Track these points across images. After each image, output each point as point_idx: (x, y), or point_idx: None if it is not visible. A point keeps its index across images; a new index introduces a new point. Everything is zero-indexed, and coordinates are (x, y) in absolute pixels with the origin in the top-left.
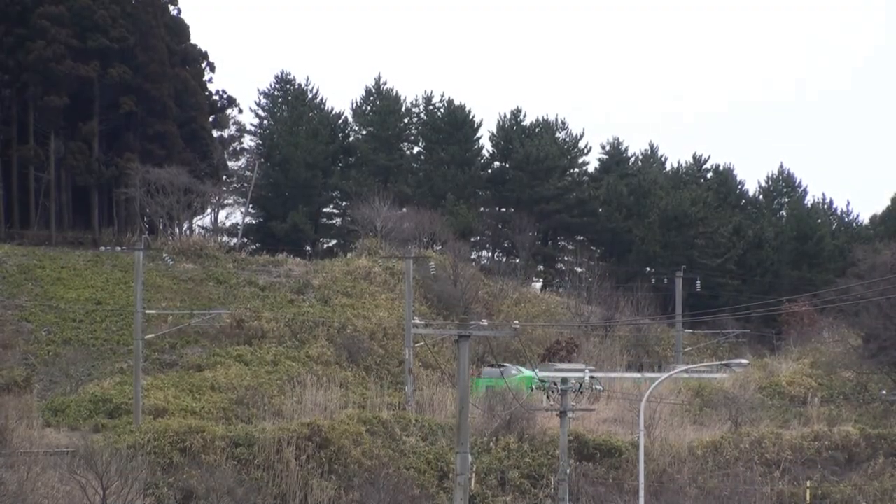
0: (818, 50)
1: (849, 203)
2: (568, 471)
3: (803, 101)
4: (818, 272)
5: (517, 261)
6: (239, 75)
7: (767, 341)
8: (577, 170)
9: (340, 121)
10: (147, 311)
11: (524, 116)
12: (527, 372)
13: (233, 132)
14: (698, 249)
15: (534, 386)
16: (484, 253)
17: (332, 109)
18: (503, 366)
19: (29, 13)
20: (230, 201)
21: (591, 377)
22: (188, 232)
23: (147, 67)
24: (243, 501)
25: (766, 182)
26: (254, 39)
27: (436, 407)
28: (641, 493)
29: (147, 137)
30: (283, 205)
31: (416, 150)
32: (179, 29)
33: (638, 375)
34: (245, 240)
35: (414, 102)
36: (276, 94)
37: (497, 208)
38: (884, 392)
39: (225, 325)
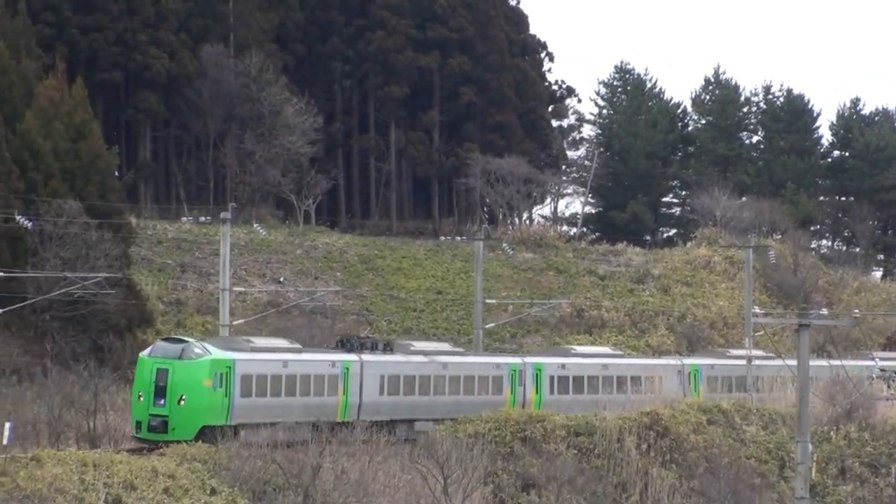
0: None
1: None
2: None
3: None
4: None
5: (857, 250)
6: (578, 66)
7: None
8: None
9: (679, 110)
10: (487, 301)
11: (863, 105)
12: (216, 353)
13: (572, 122)
14: None
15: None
16: (824, 242)
17: (671, 99)
18: (185, 341)
19: (369, 4)
20: (570, 191)
21: None
22: (528, 221)
23: (486, 58)
24: (583, 490)
25: None
26: (593, 30)
27: (776, 396)
28: None
29: (487, 127)
30: (623, 194)
31: (755, 139)
32: (518, 19)
33: None
34: (584, 229)
35: (753, 92)
36: (615, 83)
37: (837, 197)
38: None
39: (565, 315)
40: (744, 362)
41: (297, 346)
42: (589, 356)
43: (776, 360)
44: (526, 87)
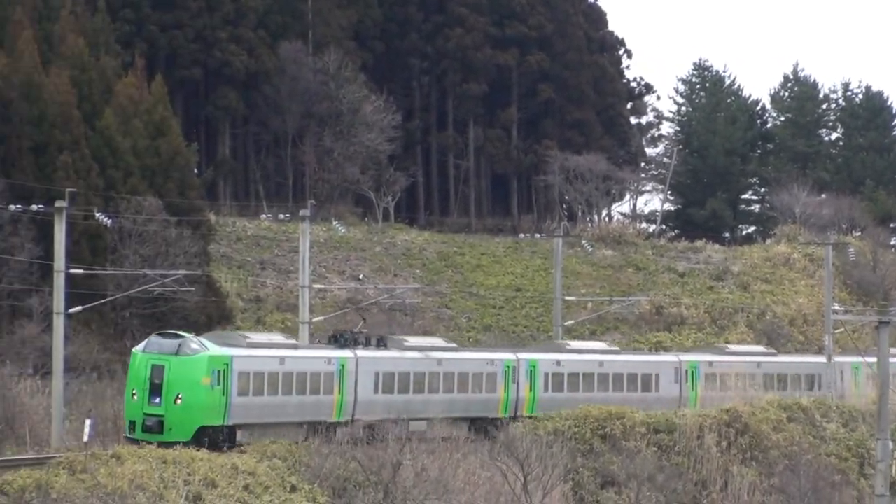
0: None
1: None
2: None
3: None
4: None
5: None
6: (656, 63)
7: None
8: None
9: (758, 107)
10: (566, 298)
11: None
12: (214, 350)
13: (650, 119)
14: None
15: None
16: None
17: (750, 96)
18: (181, 336)
19: (447, 1)
20: (648, 188)
21: None
22: (607, 218)
23: (565, 55)
24: (663, 488)
25: None
26: (671, 27)
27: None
28: None
29: (565, 125)
30: (702, 191)
31: (834, 136)
32: (597, 16)
33: None
34: (664, 226)
35: (832, 89)
36: (694, 80)
37: None
38: None
39: (644, 312)
40: (744, 359)
41: (293, 341)
42: (584, 352)
43: (785, 356)
44: (604, 84)
